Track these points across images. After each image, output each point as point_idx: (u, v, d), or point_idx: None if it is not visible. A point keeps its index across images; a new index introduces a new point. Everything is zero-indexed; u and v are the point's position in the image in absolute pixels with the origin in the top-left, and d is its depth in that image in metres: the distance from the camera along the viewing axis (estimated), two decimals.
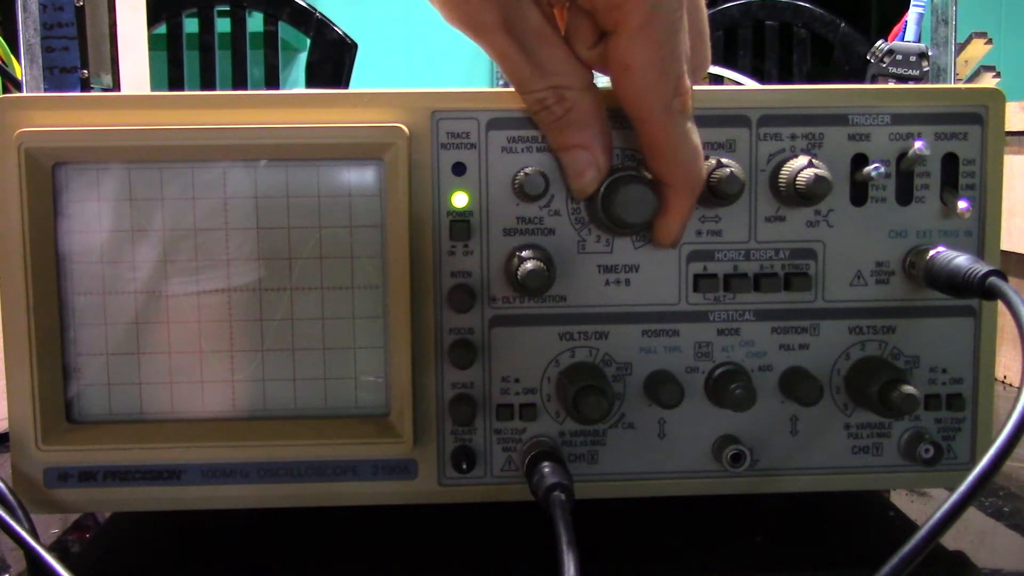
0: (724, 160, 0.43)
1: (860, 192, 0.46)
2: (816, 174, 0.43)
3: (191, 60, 1.80)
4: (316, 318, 0.45)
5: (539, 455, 0.43)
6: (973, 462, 0.46)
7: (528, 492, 0.42)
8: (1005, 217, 0.47)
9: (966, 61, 1.11)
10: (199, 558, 0.47)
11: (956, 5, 1.05)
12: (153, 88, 1.21)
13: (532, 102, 0.42)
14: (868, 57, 1.02)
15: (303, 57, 2.09)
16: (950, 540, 0.46)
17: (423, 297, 0.45)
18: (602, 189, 0.43)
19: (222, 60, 1.81)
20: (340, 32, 1.80)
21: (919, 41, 1.02)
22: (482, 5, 0.39)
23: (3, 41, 0.95)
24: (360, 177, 0.44)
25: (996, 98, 0.46)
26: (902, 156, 0.45)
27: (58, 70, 0.93)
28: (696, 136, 0.42)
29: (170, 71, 1.79)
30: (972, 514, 0.51)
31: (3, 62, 0.94)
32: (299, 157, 0.44)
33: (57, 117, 0.44)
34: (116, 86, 1.01)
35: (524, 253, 0.44)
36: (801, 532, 0.49)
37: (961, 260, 0.43)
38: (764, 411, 0.46)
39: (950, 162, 0.46)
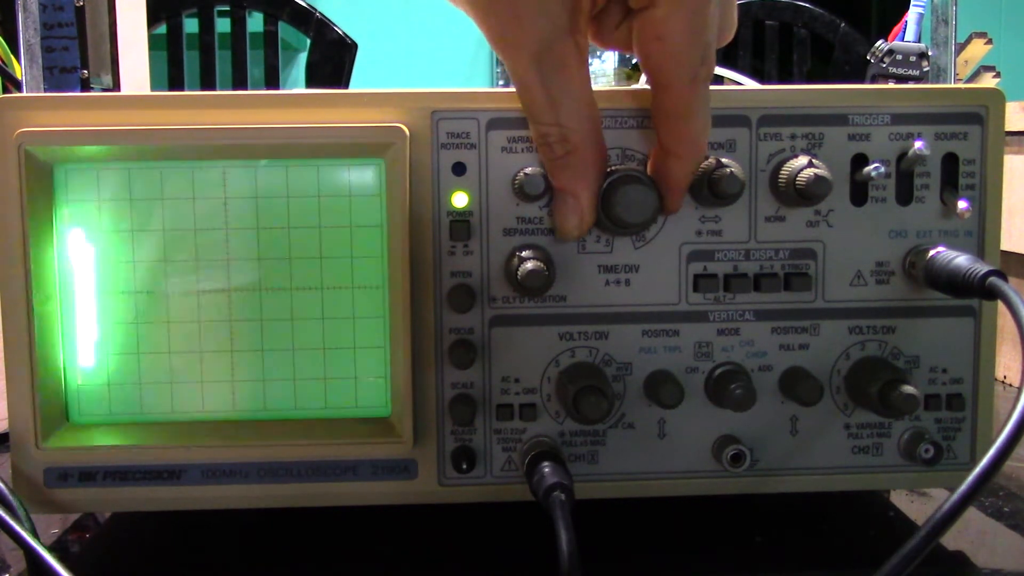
0: (724, 160, 0.43)
1: (860, 192, 0.46)
2: (816, 174, 0.43)
3: (191, 60, 1.80)
4: (316, 318, 0.45)
5: (539, 455, 0.43)
6: (973, 462, 0.46)
7: (528, 492, 0.42)
8: (1005, 217, 0.47)
9: (966, 61, 1.11)
10: (199, 558, 0.47)
11: (956, 5, 1.05)
12: (153, 88, 1.20)
13: (536, 134, 0.42)
14: (868, 57, 1.02)
15: (303, 57, 2.09)
16: (950, 540, 0.46)
17: (423, 297, 0.45)
18: (602, 189, 0.43)
19: (222, 60, 1.81)
20: (340, 32, 1.80)
21: (919, 41, 1.02)
22: (525, 29, 0.39)
23: (3, 41, 0.95)
24: (360, 177, 0.44)
25: (996, 98, 0.46)
26: (902, 156, 0.45)
27: (58, 70, 0.93)
28: (709, 108, 0.42)
29: (170, 71, 1.78)
30: (972, 514, 0.51)
31: (3, 62, 0.93)
32: (299, 157, 0.44)
33: (57, 117, 0.44)
34: (116, 86, 1.00)
35: (524, 253, 0.44)
36: (801, 532, 0.49)
37: (961, 260, 0.43)
38: (764, 411, 0.46)
39: (950, 162, 0.46)
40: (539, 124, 0.41)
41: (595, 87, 0.43)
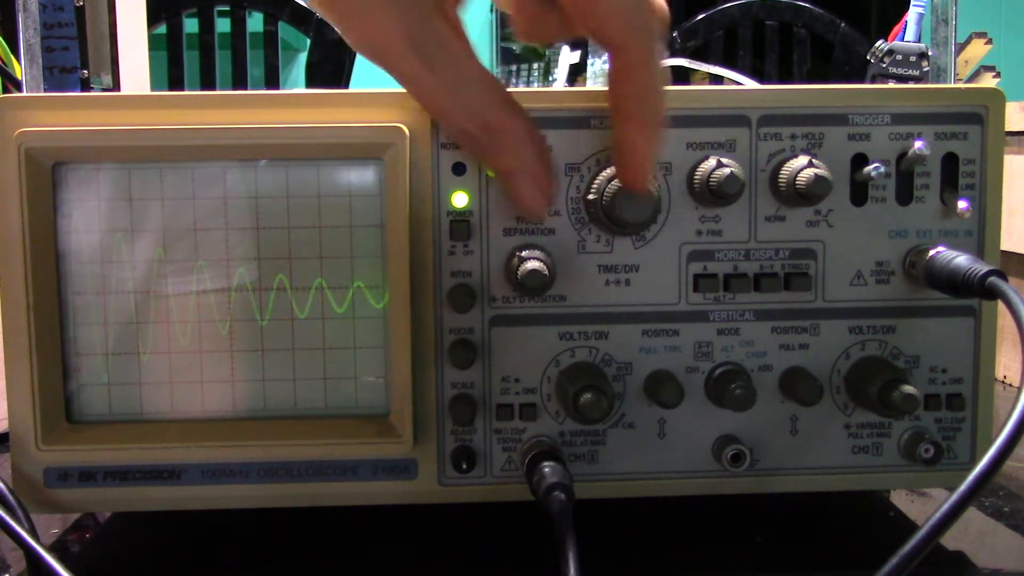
0: (724, 160, 0.43)
1: (860, 192, 0.46)
2: (816, 174, 0.43)
3: (191, 60, 1.80)
4: (316, 318, 0.45)
5: (539, 455, 0.43)
6: (973, 462, 0.46)
7: (528, 492, 0.42)
8: (1005, 217, 0.47)
9: (966, 61, 1.11)
10: (199, 558, 0.47)
11: (956, 5, 1.05)
12: (153, 88, 1.20)
13: (452, 131, 0.40)
14: (868, 57, 1.02)
15: (303, 57, 2.09)
16: (950, 540, 0.46)
17: (423, 297, 0.45)
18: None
19: (222, 60, 1.81)
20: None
21: (919, 41, 1.02)
22: (383, 21, 0.36)
23: (3, 41, 0.95)
24: (360, 177, 0.44)
25: (996, 98, 0.46)
26: (902, 156, 0.45)
27: (58, 70, 0.93)
28: (662, 69, 0.38)
29: (170, 71, 1.78)
30: (972, 514, 0.51)
31: (3, 62, 0.93)
32: (299, 157, 0.44)
33: (57, 117, 0.44)
34: (116, 86, 1.01)
35: (524, 253, 0.44)
36: (801, 532, 0.49)
37: (961, 260, 0.43)
38: (764, 411, 0.46)
39: (950, 162, 0.46)
40: (448, 118, 0.38)
41: (596, 88, 0.42)
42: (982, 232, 0.46)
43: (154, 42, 1.25)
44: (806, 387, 0.45)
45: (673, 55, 1.53)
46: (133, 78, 1.03)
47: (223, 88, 1.83)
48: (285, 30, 1.88)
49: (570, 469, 0.43)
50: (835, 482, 0.47)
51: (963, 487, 0.35)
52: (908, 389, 0.43)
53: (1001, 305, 0.41)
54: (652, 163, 0.41)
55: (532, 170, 0.39)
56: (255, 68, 1.85)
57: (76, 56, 0.94)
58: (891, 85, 0.98)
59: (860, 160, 0.45)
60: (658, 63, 0.38)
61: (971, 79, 1.13)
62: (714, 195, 0.43)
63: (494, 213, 0.45)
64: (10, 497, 0.42)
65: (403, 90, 0.44)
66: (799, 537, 0.48)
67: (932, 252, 0.44)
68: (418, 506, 0.46)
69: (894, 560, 0.34)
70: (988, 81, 1.13)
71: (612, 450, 0.46)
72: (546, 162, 0.40)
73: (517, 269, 0.43)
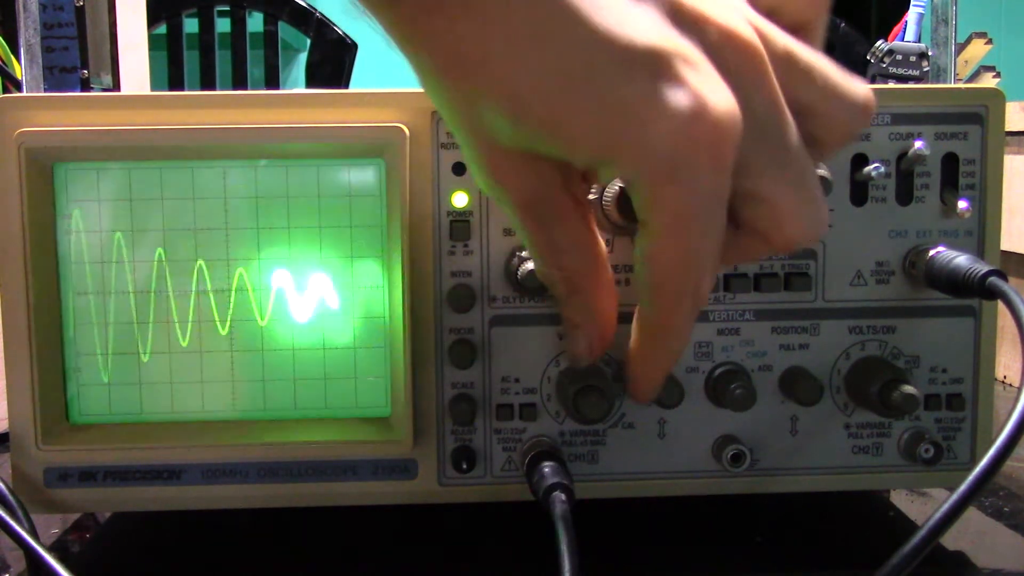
0: None
1: (860, 192, 0.46)
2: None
3: (191, 60, 1.80)
4: (316, 319, 0.45)
5: (539, 455, 0.43)
6: (973, 462, 0.46)
7: (528, 492, 0.42)
8: (1005, 217, 0.47)
9: (966, 61, 1.11)
10: (199, 558, 0.47)
11: (956, 5, 1.05)
12: (153, 88, 1.20)
13: (540, 274, 0.41)
14: (868, 57, 1.02)
15: (303, 57, 2.09)
16: (950, 540, 0.46)
17: (423, 297, 0.45)
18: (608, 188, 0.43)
19: (222, 60, 1.81)
20: (340, 32, 1.80)
21: (919, 41, 1.02)
22: (509, 187, 0.37)
23: (3, 41, 0.94)
24: (360, 177, 0.44)
25: (996, 98, 0.46)
26: (902, 156, 0.45)
27: (58, 70, 0.93)
28: (690, 330, 0.38)
29: (170, 71, 1.78)
30: (972, 514, 0.51)
31: (3, 62, 0.93)
32: (299, 157, 0.44)
33: (57, 117, 0.44)
34: (116, 86, 1.00)
35: (524, 253, 0.44)
36: (801, 532, 0.49)
37: (961, 260, 0.43)
38: (764, 411, 0.46)
39: (950, 162, 0.46)
40: (545, 266, 0.39)
41: None
42: (982, 232, 0.46)
43: (154, 42, 1.24)
44: (806, 387, 0.45)
45: None
46: (133, 78, 1.03)
47: (223, 88, 1.83)
48: (285, 30, 1.88)
49: (570, 469, 0.43)
50: (835, 482, 0.47)
51: (963, 487, 0.35)
52: (908, 389, 0.43)
53: (1001, 305, 0.41)
54: (661, 381, 0.41)
55: (589, 331, 0.40)
56: (255, 68, 1.85)
57: (76, 56, 0.94)
58: (891, 85, 0.98)
59: (860, 160, 0.45)
60: (688, 320, 0.37)
61: (971, 79, 1.13)
62: None
63: (494, 213, 0.45)
64: (10, 497, 0.42)
65: (403, 90, 0.44)
66: (799, 537, 0.48)
67: (932, 252, 0.44)
68: (418, 506, 0.46)
69: (894, 560, 0.34)
70: (988, 81, 1.13)
71: (612, 450, 0.46)
72: (606, 330, 0.40)
73: (517, 269, 0.43)
